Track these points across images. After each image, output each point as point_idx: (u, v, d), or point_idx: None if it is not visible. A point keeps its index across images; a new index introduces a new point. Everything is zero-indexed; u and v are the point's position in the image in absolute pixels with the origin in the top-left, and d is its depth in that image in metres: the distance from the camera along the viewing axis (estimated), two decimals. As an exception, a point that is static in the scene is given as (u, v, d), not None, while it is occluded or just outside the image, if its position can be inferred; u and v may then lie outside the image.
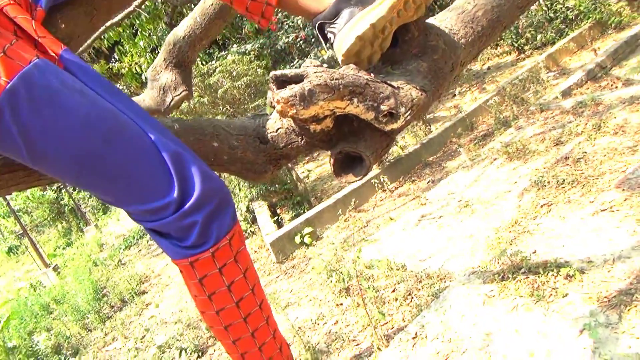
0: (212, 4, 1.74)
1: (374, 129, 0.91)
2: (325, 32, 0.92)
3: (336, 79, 0.80)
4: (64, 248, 11.19)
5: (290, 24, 6.86)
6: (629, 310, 1.72)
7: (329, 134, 0.92)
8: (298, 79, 0.79)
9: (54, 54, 0.71)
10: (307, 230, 4.12)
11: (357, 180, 0.90)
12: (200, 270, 0.70)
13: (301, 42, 6.65)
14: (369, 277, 2.94)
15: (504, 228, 2.76)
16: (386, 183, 4.56)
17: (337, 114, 0.85)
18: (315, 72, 0.79)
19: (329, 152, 0.94)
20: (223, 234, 0.71)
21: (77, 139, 0.65)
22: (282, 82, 0.79)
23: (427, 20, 1.03)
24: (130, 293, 5.08)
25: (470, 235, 2.90)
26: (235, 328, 0.74)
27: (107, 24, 2.56)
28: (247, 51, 6.58)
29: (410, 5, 0.91)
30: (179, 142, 0.74)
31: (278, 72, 0.79)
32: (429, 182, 4.42)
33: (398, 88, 0.89)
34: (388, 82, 0.89)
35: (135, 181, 0.68)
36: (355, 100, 0.83)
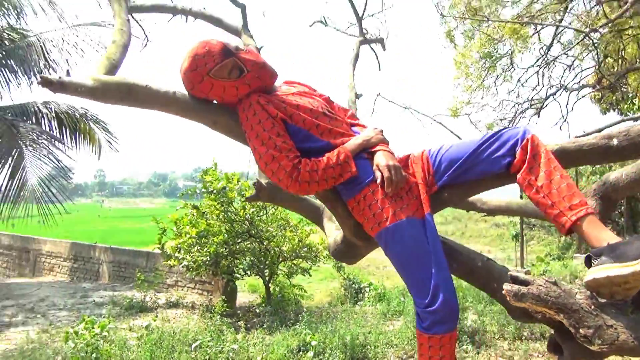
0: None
1: (582, 338, 1.21)
2: (591, 260, 1.26)
3: (550, 296, 1.19)
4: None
5: None
6: None
7: (551, 319, 1.28)
8: (524, 282, 1.24)
9: (424, 213, 1.47)
10: None
11: (560, 363, 1.26)
12: (420, 340, 1.39)
13: None
14: None
15: None
16: None
17: (547, 315, 1.23)
18: (538, 284, 1.22)
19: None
20: (439, 333, 1.35)
21: (404, 260, 1.43)
22: (515, 279, 1.26)
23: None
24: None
25: None
26: None
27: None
28: None
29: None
30: (447, 275, 1.39)
31: (514, 273, 1.26)
32: None
33: (610, 326, 1.15)
34: (606, 316, 1.16)
35: (418, 285, 1.41)
36: (561, 315, 1.19)
